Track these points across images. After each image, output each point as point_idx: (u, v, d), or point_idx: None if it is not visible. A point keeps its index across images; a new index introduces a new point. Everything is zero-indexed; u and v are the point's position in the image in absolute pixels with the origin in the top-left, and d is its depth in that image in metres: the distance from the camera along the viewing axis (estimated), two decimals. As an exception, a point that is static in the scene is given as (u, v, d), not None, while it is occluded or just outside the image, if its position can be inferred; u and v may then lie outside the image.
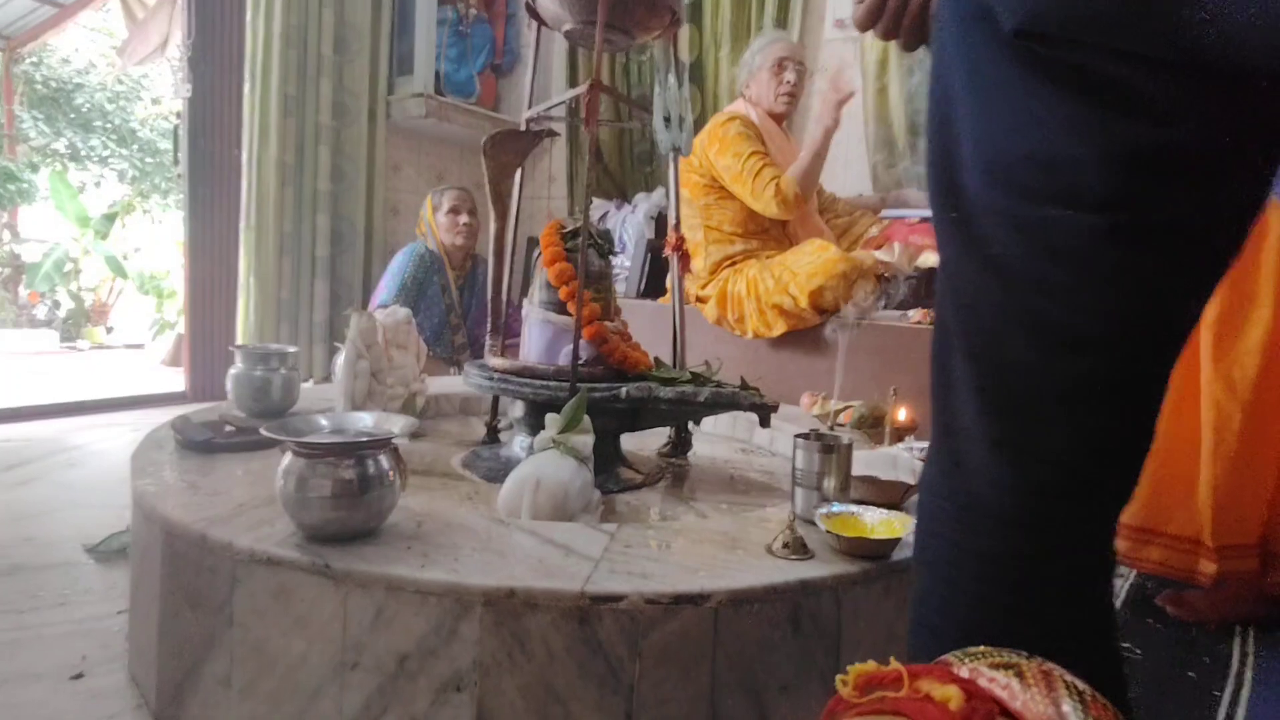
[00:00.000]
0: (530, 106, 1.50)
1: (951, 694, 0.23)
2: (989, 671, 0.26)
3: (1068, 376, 0.51)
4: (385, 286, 2.57)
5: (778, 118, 2.32)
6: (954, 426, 0.56)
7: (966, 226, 0.52)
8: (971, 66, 0.51)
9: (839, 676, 0.26)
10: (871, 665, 0.26)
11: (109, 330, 5.66)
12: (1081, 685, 0.25)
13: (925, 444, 1.38)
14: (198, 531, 0.82)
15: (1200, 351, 1.27)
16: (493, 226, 1.43)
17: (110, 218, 5.66)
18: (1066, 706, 0.24)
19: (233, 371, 1.35)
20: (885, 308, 2.12)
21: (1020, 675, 0.26)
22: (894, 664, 0.26)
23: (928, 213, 2.17)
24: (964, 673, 0.26)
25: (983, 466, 0.54)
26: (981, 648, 0.29)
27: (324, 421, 0.89)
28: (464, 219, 2.60)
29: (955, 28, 0.52)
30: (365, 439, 0.83)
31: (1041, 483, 0.52)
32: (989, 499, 0.54)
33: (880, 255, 2.14)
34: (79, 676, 0.99)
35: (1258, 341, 1.23)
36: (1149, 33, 0.42)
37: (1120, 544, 1.30)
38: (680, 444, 1.52)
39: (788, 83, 2.28)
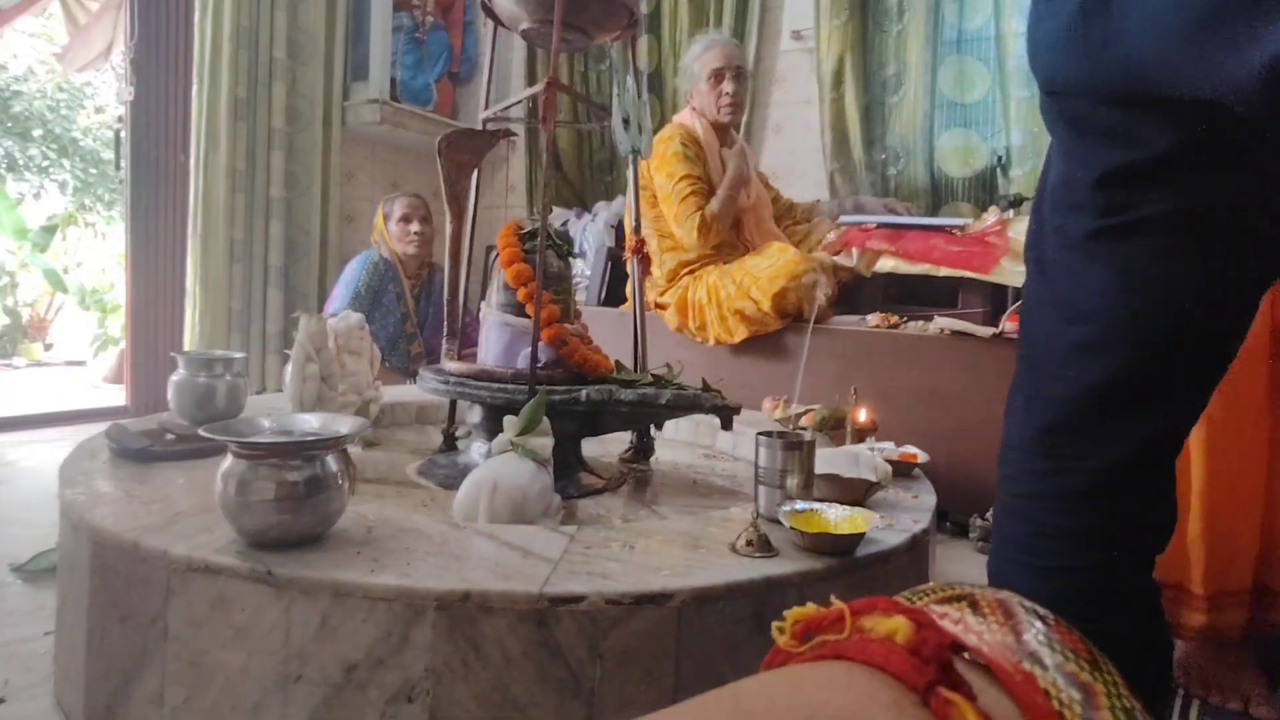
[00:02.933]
0: (487, 107, 1.48)
1: (898, 625, 0.21)
2: (938, 608, 0.24)
3: (1071, 340, 0.66)
4: (338, 295, 2.50)
5: (723, 127, 2.33)
6: (1015, 386, 0.74)
7: (1037, 237, 0.71)
8: (1045, 125, 0.70)
9: (775, 624, 0.24)
10: (811, 608, 0.24)
11: (48, 347, 5.42)
12: (1043, 611, 0.23)
13: (886, 444, 1.38)
14: (130, 540, 0.77)
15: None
16: (448, 228, 1.40)
17: (50, 230, 5.44)
18: (1029, 634, 0.22)
19: (174, 378, 1.29)
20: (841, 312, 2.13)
21: (974, 606, 0.24)
22: (835, 603, 0.24)
23: (884, 218, 2.19)
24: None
25: (1019, 411, 0.72)
26: (930, 584, 0.27)
27: (268, 423, 0.85)
28: (415, 227, 2.53)
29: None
30: (311, 439, 0.79)
31: (1049, 420, 0.69)
32: (1019, 434, 0.72)
33: (839, 260, 2.16)
34: (1, 702, 0.93)
35: (1244, 349, 1.10)
36: (1101, 79, 0.59)
37: (1198, 619, 1.10)
38: (642, 449, 1.50)
39: (727, 94, 2.25)
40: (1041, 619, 0.23)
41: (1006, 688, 0.21)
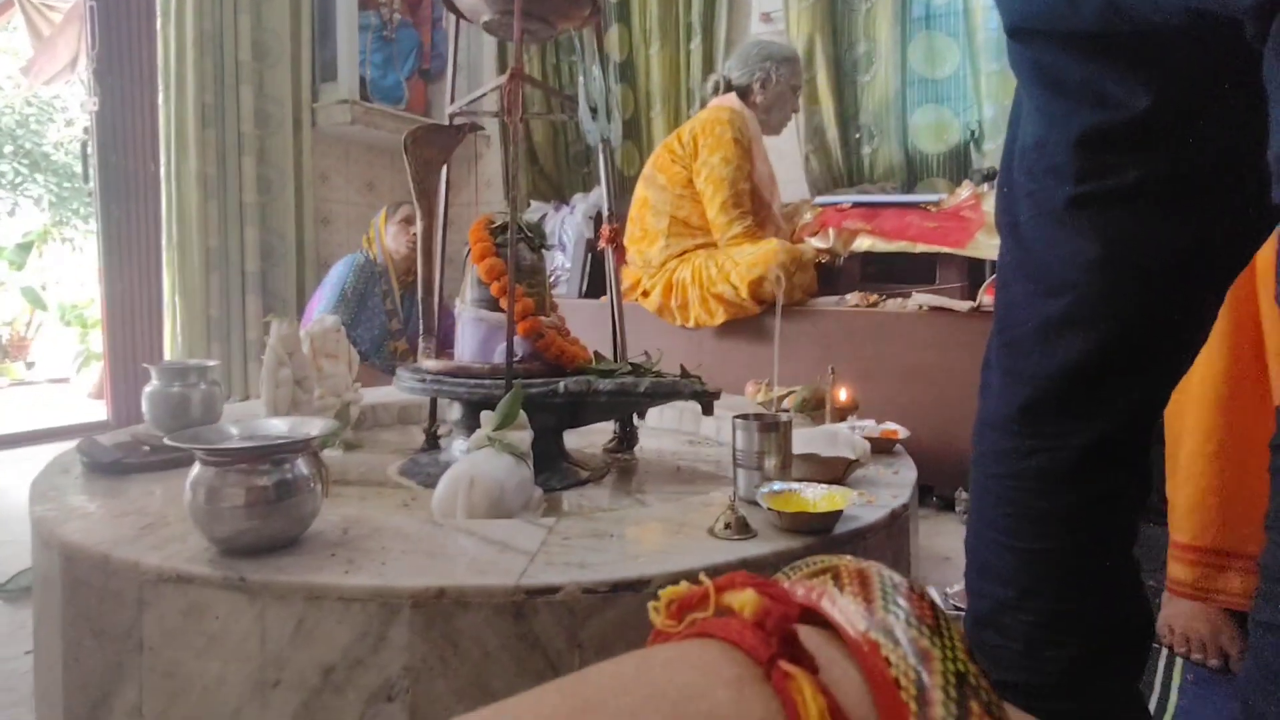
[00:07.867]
0: (453, 102, 1.47)
1: (746, 599, 0.21)
2: (807, 582, 0.24)
3: (1050, 313, 0.63)
4: (324, 297, 2.49)
5: (767, 126, 2.35)
6: (988, 361, 0.72)
7: (1009, 201, 0.67)
8: (1018, 79, 0.65)
9: (651, 604, 0.24)
10: (683, 587, 0.24)
11: (29, 365, 5.36)
12: (898, 579, 0.23)
13: (867, 422, 1.38)
14: (100, 553, 0.77)
15: (1269, 337, 1.01)
16: (418, 225, 1.38)
17: (26, 247, 5.37)
18: (879, 603, 0.22)
19: (148, 389, 1.28)
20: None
21: (836, 577, 0.24)
22: (703, 580, 0.24)
23: (859, 197, 2.19)
24: (786, 586, 0.24)
25: (995, 388, 0.70)
26: (806, 559, 0.28)
27: (236, 430, 0.84)
28: (414, 229, 2.53)
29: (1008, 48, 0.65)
30: (279, 442, 0.78)
31: (1028, 398, 0.66)
32: (996, 412, 0.70)
33: (815, 242, 2.16)
34: (-18, 723, 0.92)
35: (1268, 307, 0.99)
36: (1078, 8, 0.53)
37: (1186, 572, 1.08)
38: (625, 439, 1.50)
39: (795, 112, 2.39)
40: (895, 587, 0.23)
41: (855, 658, 0.21)
